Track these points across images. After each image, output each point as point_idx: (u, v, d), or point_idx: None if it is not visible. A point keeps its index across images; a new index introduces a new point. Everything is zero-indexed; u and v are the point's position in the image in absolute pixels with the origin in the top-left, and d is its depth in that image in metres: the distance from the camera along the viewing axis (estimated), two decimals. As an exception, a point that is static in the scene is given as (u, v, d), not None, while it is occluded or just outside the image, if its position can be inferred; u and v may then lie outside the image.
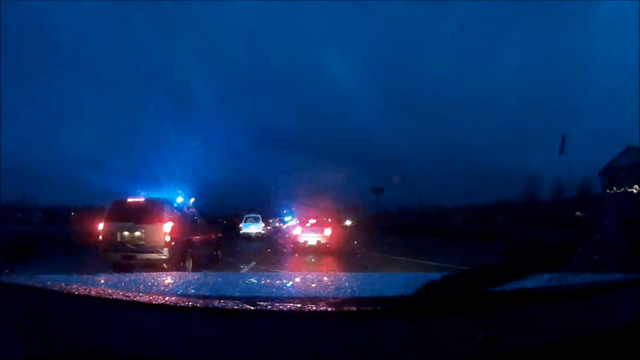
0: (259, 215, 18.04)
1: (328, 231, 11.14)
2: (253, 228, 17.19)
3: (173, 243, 5.88)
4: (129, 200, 6.40)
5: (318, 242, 10.88)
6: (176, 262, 5.98)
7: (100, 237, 6.04)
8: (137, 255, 5.77)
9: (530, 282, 0.96)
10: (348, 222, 27.72)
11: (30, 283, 0.99)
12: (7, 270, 1.05)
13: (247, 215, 17.82)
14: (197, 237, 6.88)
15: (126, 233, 5.91)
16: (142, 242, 5.82)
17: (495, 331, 0.79)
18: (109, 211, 6.22)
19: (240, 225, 17.58)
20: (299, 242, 11.01)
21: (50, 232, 13.38)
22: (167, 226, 5.91)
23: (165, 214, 6.02)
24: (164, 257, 5.74)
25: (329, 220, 13.02)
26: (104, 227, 6.03)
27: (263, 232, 17.50)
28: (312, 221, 11.97)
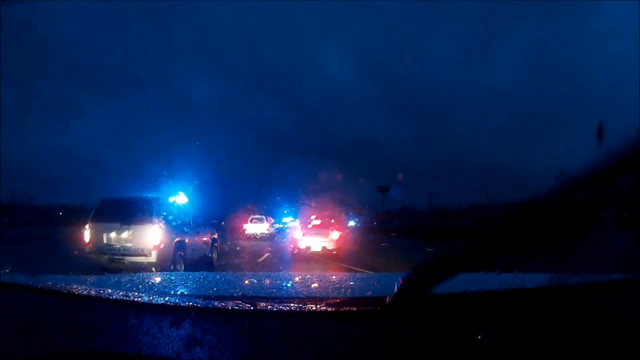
0: (264, 216, 19.65)
1: (335, 234, 9.62)
2: (258, 228, 18.87)
3: (162, 245, 5.78)
4: (117, 199, 6.26)
5: (324, 248, 9.29)
6: (166, 266, 5.82)
7: (87, 238, 5.89)
8: (123, 258, 5.63)
9: (530, 282, 1.00)
10: (352, 223, 27.58)
11: (30, 283, 1.02)
12: (7, 270, 1.10)
13: (252, 217, 19.41)
14: (190, 239, 6.76)
15: (113, 234, 5.81)
16: (129, 244, 5.73)
17: (495, 331, 0.83)
18: (95, 210, 6.16)
19: (246, 225, 19.20)
20: (300, 248, 9.53)
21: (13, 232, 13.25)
22: (156, 227, 5.80)
23: (154, 214, 5.92)
24: (151, 260, 5.64)
25: (334, 220, 11.34)
26: (90, 228, 5.91)
27: (267, 232, 19.08)
28: (316, 222, 10.38)
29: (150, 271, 5.72)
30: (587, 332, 0.86)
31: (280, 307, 0.90)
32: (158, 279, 1.53)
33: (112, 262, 5.75)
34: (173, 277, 1.71)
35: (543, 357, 0.80)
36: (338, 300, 0.95)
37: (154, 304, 0.93)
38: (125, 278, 1.43)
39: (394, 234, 22.49)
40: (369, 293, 1.39)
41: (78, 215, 6.49)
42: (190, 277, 1.94)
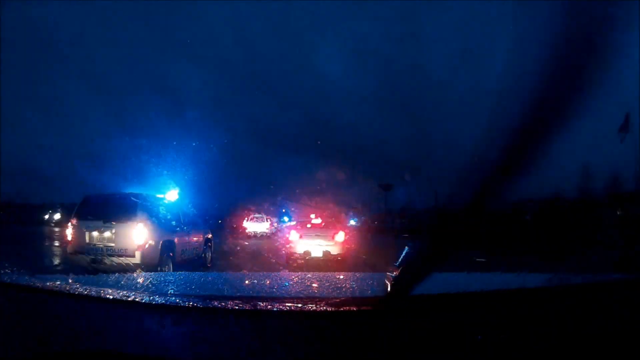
0: (264, 215, 20.98)
1: (341, 236, 8.15)
2: (258, 227, 20.24)
3: (147, 245, 5.68)
4: (101, 195, 6.15)
5: (326, 253, 7.82)
6: (152, 267, 5.69)
7: (69, 237, 5.80)
8: (105, 259, 5.49)
9: (530, 282, 1.03)
10: (352, 222, 27.56)
11: (30, 283, 1.05)
12: (7, 270, 1.10)
13: (252, 215, 20.78)
14: (180, 238, 6.65)
15: (95, 233, 5.69)
16: (112, 244, 5.58)
17: (495, 331, 0.85)
18: (78, 207, 6.07)
19: (246, 224, 20.55)
20: (296, 253, 8.07)
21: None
22: (140, 225, 5.69)
23: (139, 212, 5.81)
24: (135, 261, 5.51)
25: (336, 219, 10.04)
26: (72, 226, 5.81)
27: (267, 231, 20.22)
28: (316, 221, 9.08)
29: (139, 272, 5.60)
30: (587, 332, 0.90)
31: (280, 307, 0.93)
32: (158, 279, 1.57)
33: (95, 263, 5.67)
34: (174, 277, 1.76)
35: (543, 357, 0.83)
36: (338, 300, 0.99)
37: (155, 304, 0.96)
38: (126, 278, 1.47)
39: (405, 235, 21.24)
40: (368, 293, 1.43)
41: (69, 213, 6.37)
42: (191, 277, 2.00)
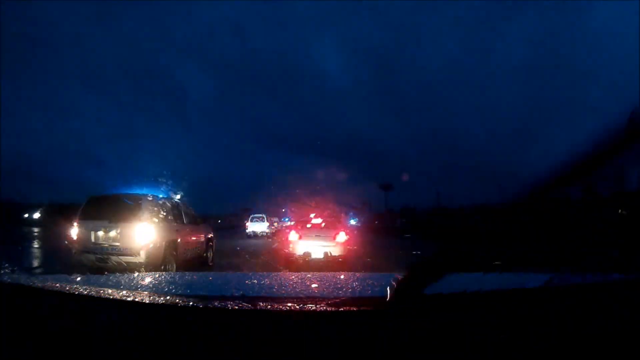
0: (264, 215, 21.35)
1: (342, 236, 7.80)
2: (258, 227, 20.65)
3: (151, 245, 5.78)
4: (105, 195, 6.24)
5: (327, 254, 7.45)
6: (156, 267, 5.79)
7: (74, 237, 5.90)
8: (111, 257, 5.59)
9: (530, 282, 1.04)
10: (353, 222, 27.65)
11: (29, 283, 1.05)
12: (7, 270, 1.12)
13: (252, 215, 21.27)
14: (183, 238, 6.75)
15: (100, 232, 5.79)
16: (117, 244, 5.70)
17: (495, 331, 0.86)
18: (83, 208, 6.15)
19: (247, 224, 21.03)
20: (296, 254, 7.71)
21: None
22: (144, 225, 5.78)
23: (142, 212, 5.91)
24: (140, 260, 5.61)
25: (337, 219, 9.45)
26: (77, 226, 5.93)
27: (267, 230, 20.60)
28: (316, 220, 8.58)
29: (139, 272, 5.69)
30: (587, 332, 0.90)
31: (280, 307, 0.94)
32: (159, 279, 1.57)
33: (100, 262, 5.78)
34: (174, 277, 1.75)
35: (543, 357, 0.83)
36: (338, 300, 0.99)
37: (155, 304, 0.96)
38: (126, 278, 1.47)
39: (407, 235, 20.84)
40: (368, 293, 1.42)
41: (72, 213, 6.48)
42: (191, 277, 2.01)
